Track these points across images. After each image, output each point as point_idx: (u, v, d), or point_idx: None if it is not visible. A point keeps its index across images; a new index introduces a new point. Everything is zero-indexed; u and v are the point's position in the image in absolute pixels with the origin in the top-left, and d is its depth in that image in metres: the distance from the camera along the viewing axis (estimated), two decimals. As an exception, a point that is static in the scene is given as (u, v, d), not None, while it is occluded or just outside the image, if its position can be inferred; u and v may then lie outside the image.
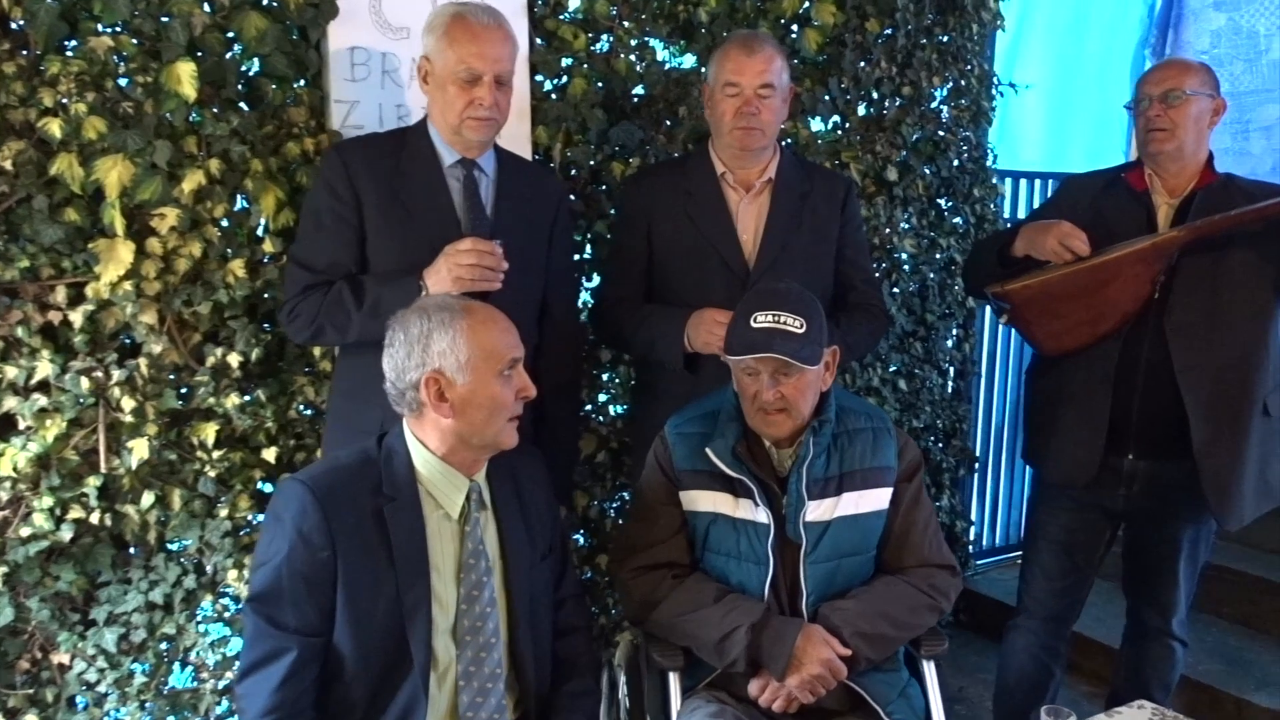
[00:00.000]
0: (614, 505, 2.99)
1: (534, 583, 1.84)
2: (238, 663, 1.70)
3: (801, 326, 1.85)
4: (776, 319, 1.85)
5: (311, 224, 2.11)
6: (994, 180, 3.69)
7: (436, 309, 1.71)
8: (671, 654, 1.94)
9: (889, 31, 3.23)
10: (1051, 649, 2.63)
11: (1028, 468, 4.22)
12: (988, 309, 3.97)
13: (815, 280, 2.30)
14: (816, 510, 1.93)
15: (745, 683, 1.91)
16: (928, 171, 3.45)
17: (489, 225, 2.13)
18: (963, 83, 3.48)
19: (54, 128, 2.01)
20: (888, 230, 3.36)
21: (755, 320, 1.87)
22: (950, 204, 3.58)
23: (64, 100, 2.04)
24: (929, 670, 1.98)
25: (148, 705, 2.36)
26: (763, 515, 1.93)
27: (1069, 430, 2.43)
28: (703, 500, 1.97)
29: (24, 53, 2.05)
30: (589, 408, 2.95)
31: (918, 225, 3.47)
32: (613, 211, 2.82)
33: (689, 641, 1.93)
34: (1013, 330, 4.12)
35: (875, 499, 1.97)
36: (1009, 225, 2.95)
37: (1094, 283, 2.29)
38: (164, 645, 2.37)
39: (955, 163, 3.52)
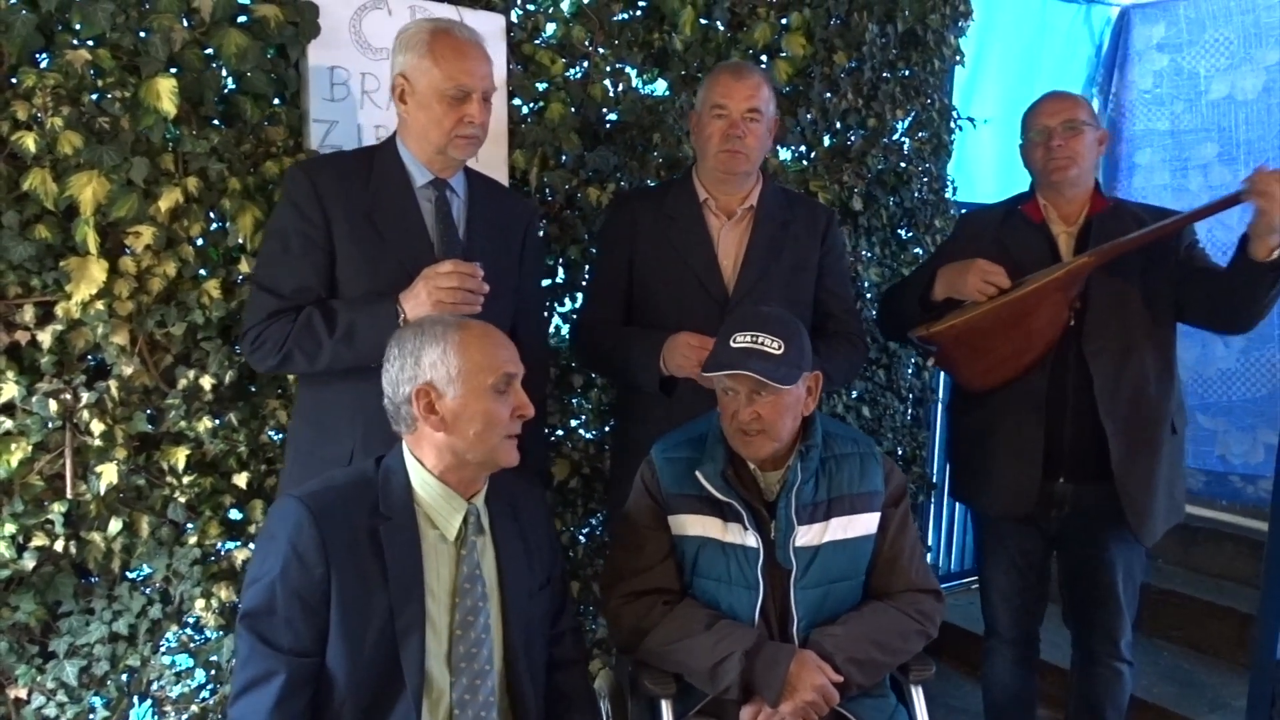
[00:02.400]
0: (585, 531, 2.97)
1: (531, 611, 1.81)
2: (231, 684, 1.66)
3: (779, 348, 1.87)
4: (754, 339, 1.87)
5: (277, 246, 2.01)
6: (953, 211, 3.76)
7: (431, 324, 1.71)
8: (663, 681, 1.93)
9: (855, 64, 3.29)
10: (1027, 661, 2.69)
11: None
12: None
13: (794, 307, 2.32)
14: (806, 535, 1.94)
15: (737, 710, 1.90)
16: (891, 202, 3.50)
17: (462, 247, 2.08)
18: (924, 116, 3.55)
19: (28, 142, 1.95)
20: (852, 259, 3.40)
21: (734, 340, 1.89)
22: (911, 234, 3.64)
23: (38, 114, 1.98)
24: (917, 695, 1.99)
25: (107, 742, 2.28)
26: (752, 540, 1.93)
27: (1004, 463, 2.47)
28: (692, 524, 1.97)
29: (-3, 64, 2.00)
30: (560, 433, 2.93)
31: (880, 254, 3.52)
32: (587, 236, 2.82)
33: (681, 669, 1.91)
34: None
35: (863, 524, 1.98)
36: (915, 269, 3.00)
37: (1016, 315, 2.35)
38: (125, 678, 2.29)
39: (917, 194, 3.58)
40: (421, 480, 1.72)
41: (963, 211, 2.91)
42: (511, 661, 1.77)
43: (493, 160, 2.60)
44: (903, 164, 3.50)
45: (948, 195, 3.72)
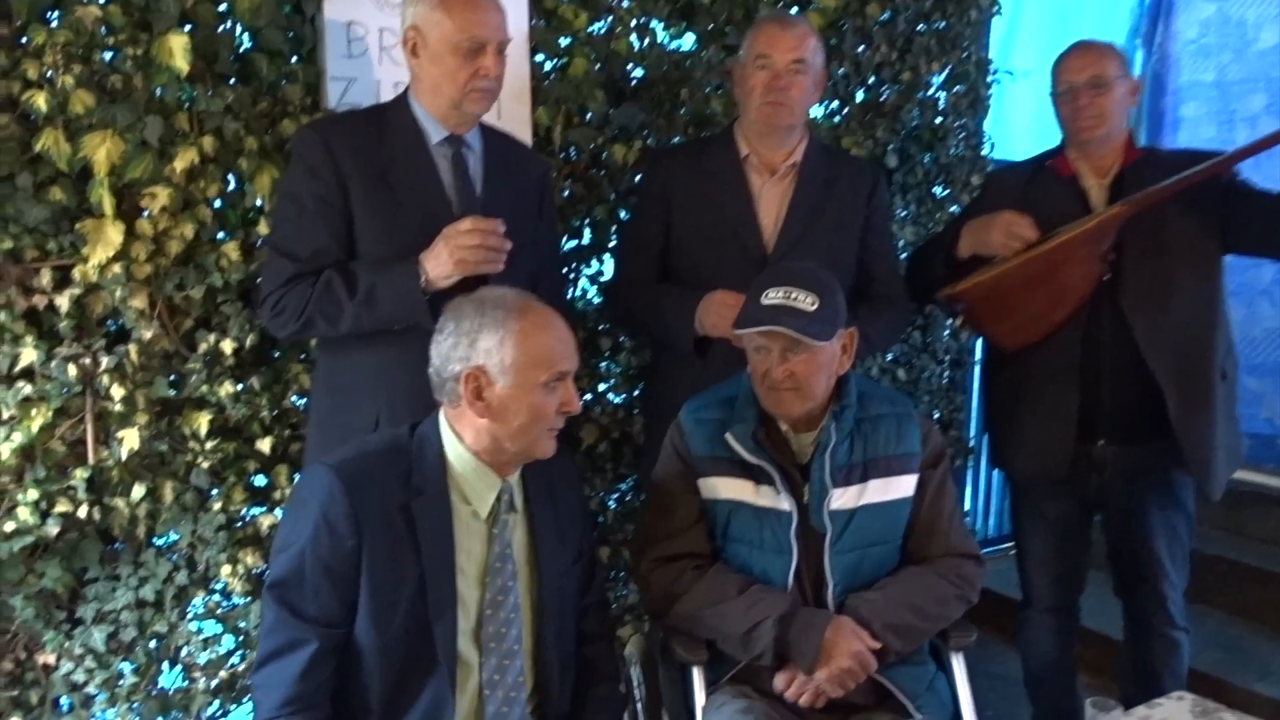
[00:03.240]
0: (615, 496, 2.93)
1: (563, 589, 1.77)
2: (257, 651, 1.64)
3: (813, 304, 1.80)
4: (787, 295, 1.81)
5: (292, 209, 1.95)
6: (990, 168, 3.65)
7: (494, 305, 1.64)
8: (694, 648, 1.88)
9: (888, 16, 3.18)
10: (1065, 629, 2.63)
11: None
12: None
13: (835, 269, 2.24)
14: (841, 498, 1.87)
15: (770, 677, 1.85)
16: (927, 158, 3.40)
17: (480, 204, 2.01)
18: (960, 69, 3.44)
19: (39, 101, 1.90)
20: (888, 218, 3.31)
21: (766, 296, 1.83)
22: (948, 192, 3.54)
23: (49, 73, 1.93)
24: (957, 663, 1.93)
25: (136, 706, 2.27)
26: (785, 503, 1.87)
27: (1035, 425, 2.38)
28: (723, 488, 1.91)
29: (5, 22, 1.94)
30: (588, 397, 2.88)
31: (916, 213, 3.43)
32: (613, 195, 2.76)
33: (713, 634, 1.86)
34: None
35: (901, 486, 1.91)
36: (941, 229, 2.91)
37: (1046, 270, 2.25)
38: (154, 644, 2.28)
39: (953, 150, 3.48)
40: (457, 454, 1.67)
41: (990, 169, 2.80)
42: (540, 641, 1.73)
43: (516, 118, 2.54)
44: (938, 119, 3.40)
45: (985, 151, 3.61)
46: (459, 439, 1.66)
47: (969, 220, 2.45)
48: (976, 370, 4.00)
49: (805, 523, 1.87)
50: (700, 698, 1.85)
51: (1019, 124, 4.14)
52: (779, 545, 1.88)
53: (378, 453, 1.66)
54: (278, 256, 1.95)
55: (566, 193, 2.72)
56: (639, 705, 2.08)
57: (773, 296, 1.82)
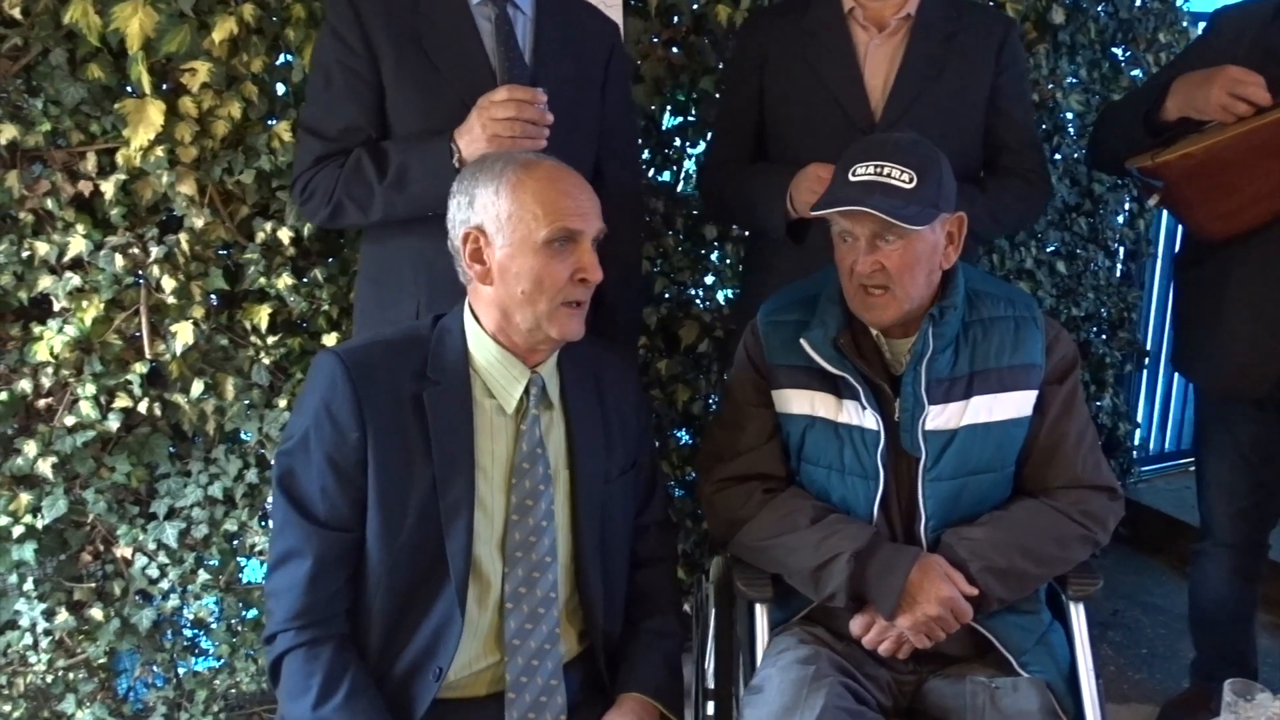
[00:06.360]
0: (719, 399, 2.70)
1: (608, 499, 1.58)
2: (269, 552, 1.52)
3: (911, 181, 1.48)
4: (879, 170, 1.50)
5: (320, 82, 1.78)
6: (1184, 24, 3.10)
7: (496, 158, 1.48)
8: (759, 583, 1.64)
9: None
10: (1247, 568, 2.27)
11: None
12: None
13: (956, 138, 1.90)
14: (939, 417, 1.57)
15: (848, 618, 1.61)
16: (1102, 13, 2.90)
17: (528, 73, 1.78)
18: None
19: (59, -33, 1.78)
20: (1050, 85, 2.86)
21: (854, 173, 1.52)
22: (1128, 53, 3.03)
23: (72, -65, 1.79)
24: (1077, 614, 1.62)
25: (219, 601, 2.25)
26: (871, 420, 1.59)
27: (1241, 334, 2.00)
28: (798, 401, 1.64)
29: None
30: (692, 291, 2.64)
31: (1087, 79, 2.95)
32: (720, 64, 2.45)
33: (779, 568, 1.62)
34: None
35: (1014, 404, 1.59)
36: (1144, 83, 2.38)
37: (1276, 143, 1.80)
38: (234, 541, 2.24)
39: (1137, 1, 2.95)
40: (478, 342, 1.49)
41: (1217, 10, 2.22)
42: (580, 555, 1.54)
43: (602, -24, 2.26)
44: (1119, -36, 2.89)
45: (1178, 3, 3.06)
46: (480, 324, 1.50)
47: (1183, 70, 1.98)
48: (1157, 263, 3.53)
49: (896, 444, 1.59)
50: (762, 638, 1.63)
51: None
52: (863, 469, 1.60)
53: (392, 342, 1.51)
54: (306, 134, 1.79)
55: (665, 62, 2.43)
56: (710, 634, 1.88)
57: (862, 172, 1.51)
